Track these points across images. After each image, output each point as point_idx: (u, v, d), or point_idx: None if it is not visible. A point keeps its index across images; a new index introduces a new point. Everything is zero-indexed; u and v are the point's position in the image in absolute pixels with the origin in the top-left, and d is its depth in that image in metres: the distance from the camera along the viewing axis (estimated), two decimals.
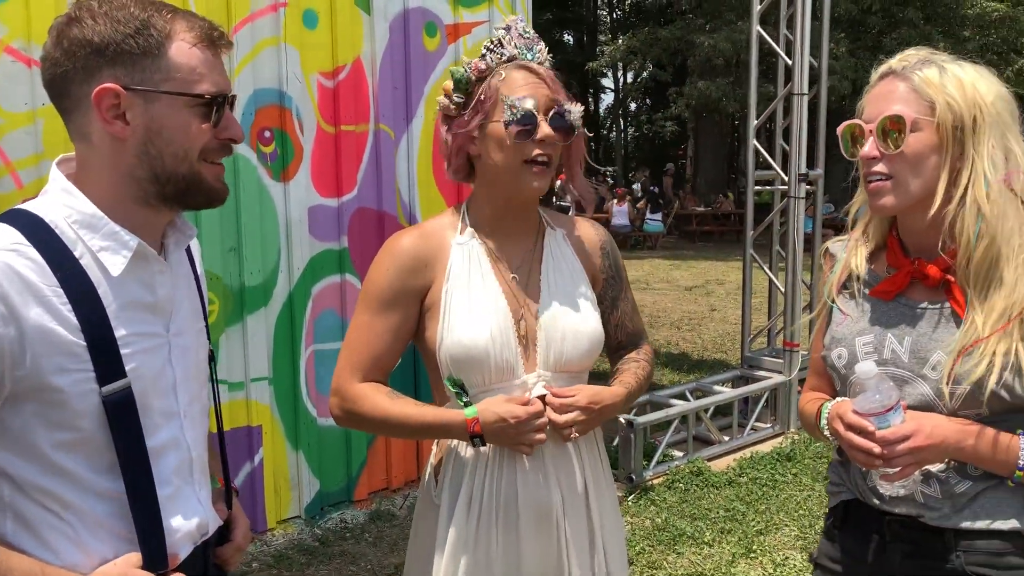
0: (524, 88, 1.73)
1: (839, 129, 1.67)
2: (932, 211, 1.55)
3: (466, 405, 1.75)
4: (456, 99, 1.80)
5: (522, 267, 1.84)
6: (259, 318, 4.11)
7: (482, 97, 1.75)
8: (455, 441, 1.81)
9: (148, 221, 1.39)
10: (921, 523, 1.61)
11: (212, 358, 1.59)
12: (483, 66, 1.77)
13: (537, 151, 1.73)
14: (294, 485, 4.35)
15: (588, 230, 1.97)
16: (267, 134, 4.09)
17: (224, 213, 3.91)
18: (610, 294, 1.96)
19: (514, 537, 1.77)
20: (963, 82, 1.55)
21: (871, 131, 1.58)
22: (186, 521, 1.44)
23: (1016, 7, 19.08)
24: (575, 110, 1.75)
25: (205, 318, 1.57)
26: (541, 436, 1.73)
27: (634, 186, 22.53)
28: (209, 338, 1.59)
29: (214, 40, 1.36)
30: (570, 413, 1.75)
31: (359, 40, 4.37)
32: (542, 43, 1.82)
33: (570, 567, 1.82)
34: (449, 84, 1.81)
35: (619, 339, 1.98)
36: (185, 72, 1.32)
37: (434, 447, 1.90)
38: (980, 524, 1.58)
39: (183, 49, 1.32)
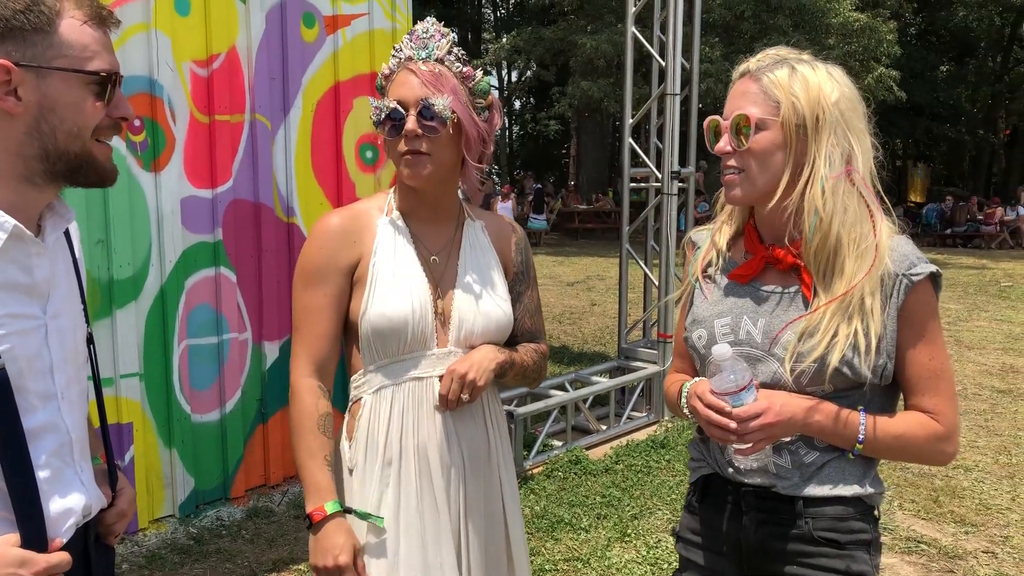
0: (398, 88, 1.86)
1: (705, 124, 1.76)
2: (771, 204, 1.66)
3: (358, 514, 1.84)
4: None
5: (442, 251, 1.97)
6: (129, 312, 3.98)
7: None
8: (368, 402, 1.90)
9: (27, 201, 1.37)
10: (774, 492, 1.71)
11: (91, 340, 1.57)
12: (387, 71, 1.92)
13: (403, 146, 1.85)
14: (167, 483, 4.24)
15: (505, 226, 2.12)
16: (137, 123, 3.96)
17: (91, 204, 3.78)
18: (517, 288, 2.07)
19: (422, 498, 1.87)
20: (808, 83, 1.64)
21: (726, 127, 1.69)
22: (68, 504, 1.43)
23: (876, 18, 20.17)
24: (439, 102, 1.81)
25: (83, 300, 1.55)
26: None
27: (535, 187, 22.62)
28: (88, 321, 1.57)
29: (104, 18, 1.37)
30: (451, 388, 1.87)
31: (234, 29, 4.29)
32: (444, 39, 1.90)
33: (469, 534, 1.91)
34: None
35: (517, 333, 2.07)
36: (77, 49, 1.33)
37: (346, 414, 1.96)
38: (826, 491, 1.69)
39: (74, 26, 1.33)
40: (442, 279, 1.94)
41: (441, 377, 1.89)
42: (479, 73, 1.93)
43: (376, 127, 1.89)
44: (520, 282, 2.08)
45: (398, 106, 1.83)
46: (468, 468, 1.92)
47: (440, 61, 1.87)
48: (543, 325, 2.17)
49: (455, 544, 1.90)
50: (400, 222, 1.95)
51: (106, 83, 1.36)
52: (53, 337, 1.41)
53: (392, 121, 1.85)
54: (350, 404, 1.96)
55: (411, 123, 1.82)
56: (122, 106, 1.41)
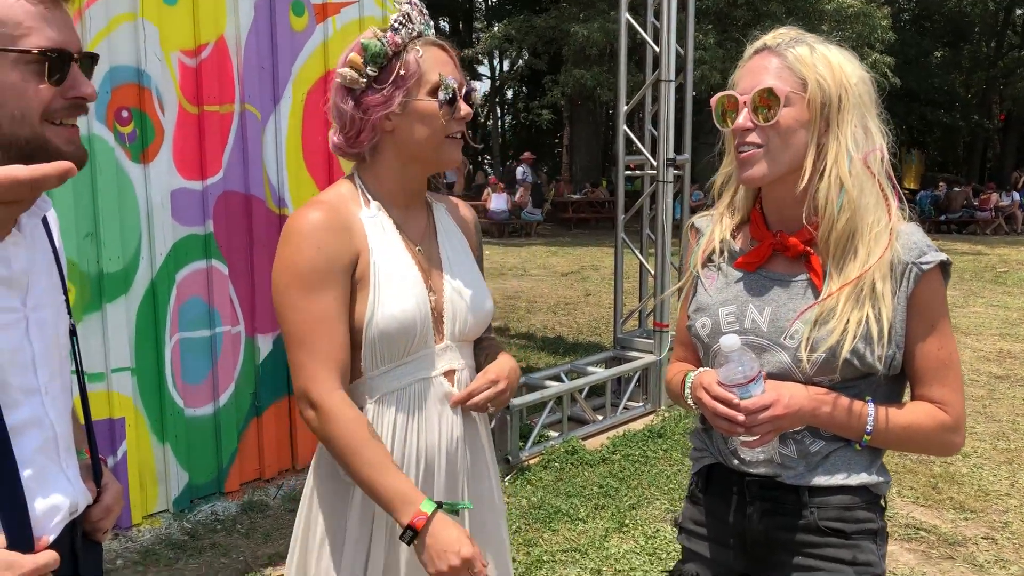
0: (446, 66, 1.77)
1: (712, 100, 1.69)
2: (802, 184, 1.60)
3: (445, 508, 1.69)
4: (370, 72, 1.75)
5: (423, 241, 1.87)
6: (119, 306, 3.93)
7: (402, 72, 1.73)
8: (370, 412, 1.76)
9: None
10: (778, 482, 1.68)
11: (73, 332, 1.51)
12: (399, 40, 1.74)
13: (457, 128, 1.79)
14: (161, 478, 4.19)
15: (463, 208, 2.03)
16: (125, 114, 3.91)
17: (79, 196, 3.72)
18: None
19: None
20: (831, 63, 1.61)
21: (745, 103, 1.62)
22: (54, 501, 1.38)
23: (870, 3, 20.12)
24: (480, 88, 1.80)
25: (65, 291, 1.49)
26: None
27: (519, 170, 22.42)
28: (70, 312, 1.51)
29: None
30: (485, 392, 1.83)
31: (222, 18, 4.22)
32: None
33: (471, 531, 1.83)
34: (358, 57, 1.75)
35: None
36: (10, 27, 1.23)
37: None
38: (831, 480, 1.66)
39: (6, 3, 1.23)
40: (430, 270, 1.84)
41: (446, 374, 1.82)
42: None
43: (440, 104, 1.75)
44: (479, 264, 2.01)
45: (456, 86, 1.77)
46: (471, 468, 1.87)
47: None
48: None
49: None
50: (382, 212, 1.81)
51: (45, 62, 1.26)
52: (34, 330, 1.36)
53: (450, 103, 1.77)
54: None
55: (467, 107, 1.79)
56: (78, 85, 1.31)
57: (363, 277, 1.74)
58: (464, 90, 1.79)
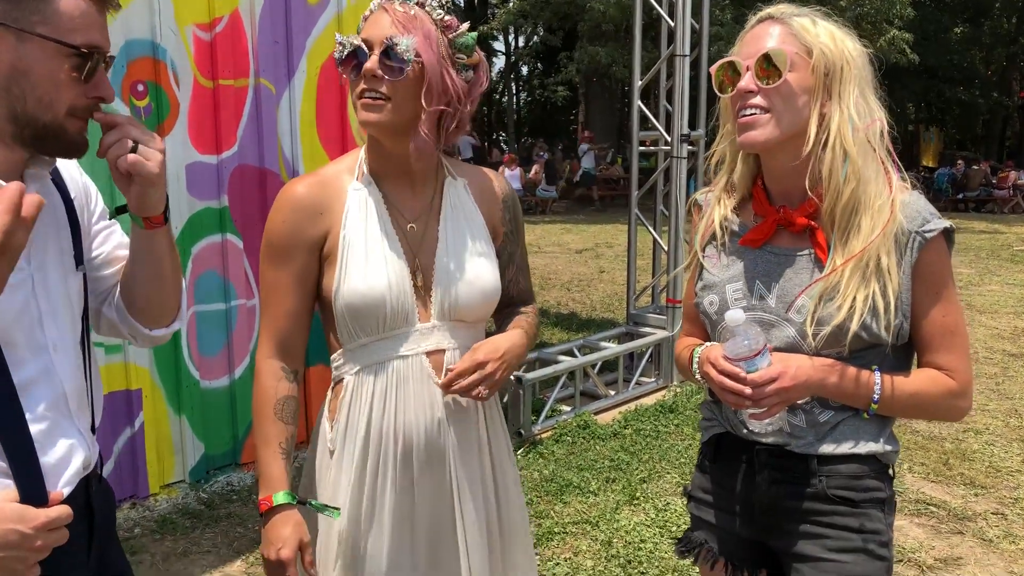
0: (368, 27, 1.73)
1: (712, 68, 1.69)
2: (806, 150, 1.60)
3: (313, 507, 1.80)
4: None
5: (420, 217, 1.83)
6: None
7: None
8: (350, 384, 1.79)
9: (5, 158, 1.35)
10: (787, 451, 1.70)
11: (86, 282, 1.53)
12: (366, 14, 1.77)
13: (362, 86, 1.71)
14: (177, 449, 4.25)
15: (491, 182, 1.96)
16: (140, 87, 3.93)
17: (95, 170, 3.73)
18: (508, 249, 1.95)
19: (409, 480, 1.79)
20: (834, 35, 1.62)
21: (748, 67, 1.62)
22: (67, 456, 1.42)
23: None
24: (403, 42, 1.67)
25: (78, 243, 1.51)
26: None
27: (581, 148, 22.41)
28: (83, 261, 1.52)
29: None
30: (472, 375, 1.76)
31: None
32: None
33: (462, 511, 1.84)
34: None
35: (511, 295, 1.98)
36: (65, 20, 1.31)
37: (328, 393, 1.87)
38: (840, 449, 1.68)
39: None
40: (421, 248, 1.80)
41: (428, 353, 1.78)
42: (464, 27, 1.78)
43: (338, 66, 1.75)
44: (511, 242, 1.96)
45: (363, 44, 1.70)
46: (459, 451, 1.82)
47: (421, 5, 1.74)
48: (531, 284, 2.07)
49: (453, 530, 1.83)
50: (372, 186, 1.79)
51: (86, 59, 1.33)
52: (40, 289, 1.40)
53: (355, 60, 1.71)
54: (333, 384, 1.85)
55: (371, 62, 1.66)
56: (102, 87, 1.38)
57: (332, 251, 1.76)
58: (383, 47, 1.66)
